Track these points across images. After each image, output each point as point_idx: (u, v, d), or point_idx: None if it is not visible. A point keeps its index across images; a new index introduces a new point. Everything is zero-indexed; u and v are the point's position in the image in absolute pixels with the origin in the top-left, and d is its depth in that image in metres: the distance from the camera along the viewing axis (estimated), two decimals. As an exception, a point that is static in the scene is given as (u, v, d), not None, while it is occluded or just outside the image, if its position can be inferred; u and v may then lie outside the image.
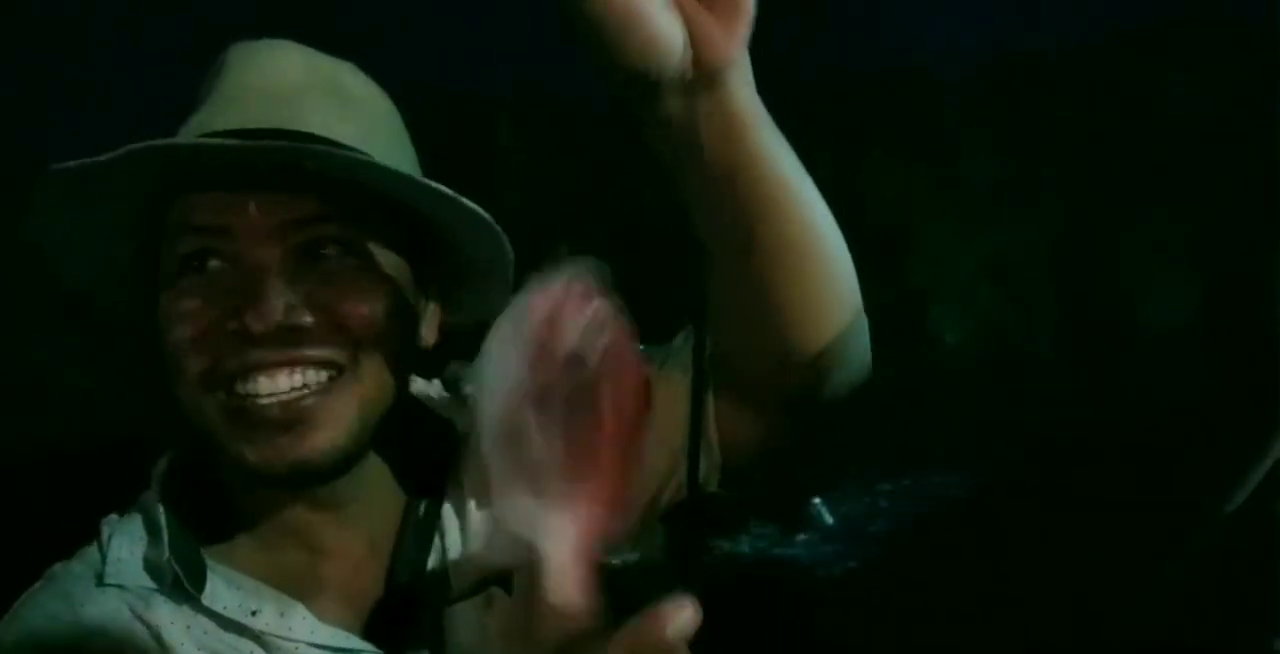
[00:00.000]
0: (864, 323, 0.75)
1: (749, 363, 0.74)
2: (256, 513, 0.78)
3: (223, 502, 0.79)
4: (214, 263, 0.70)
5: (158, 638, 0.73)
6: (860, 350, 0.76)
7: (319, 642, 0.74)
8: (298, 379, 0.70)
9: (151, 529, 0.77)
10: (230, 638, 0.74)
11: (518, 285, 0.79)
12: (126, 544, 0.77)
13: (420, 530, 0.80)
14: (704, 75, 0.57)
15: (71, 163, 0.67)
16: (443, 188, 0.71)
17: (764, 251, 0.67)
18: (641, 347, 0.85)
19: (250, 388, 0.70)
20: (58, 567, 0.79)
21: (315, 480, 0.74)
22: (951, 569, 3.67)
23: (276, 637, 0.74)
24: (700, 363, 0.69)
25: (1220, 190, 7.29)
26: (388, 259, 0.74)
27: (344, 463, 0.74)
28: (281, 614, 0.74)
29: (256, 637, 0.74)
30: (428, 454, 0.82)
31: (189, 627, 0.74)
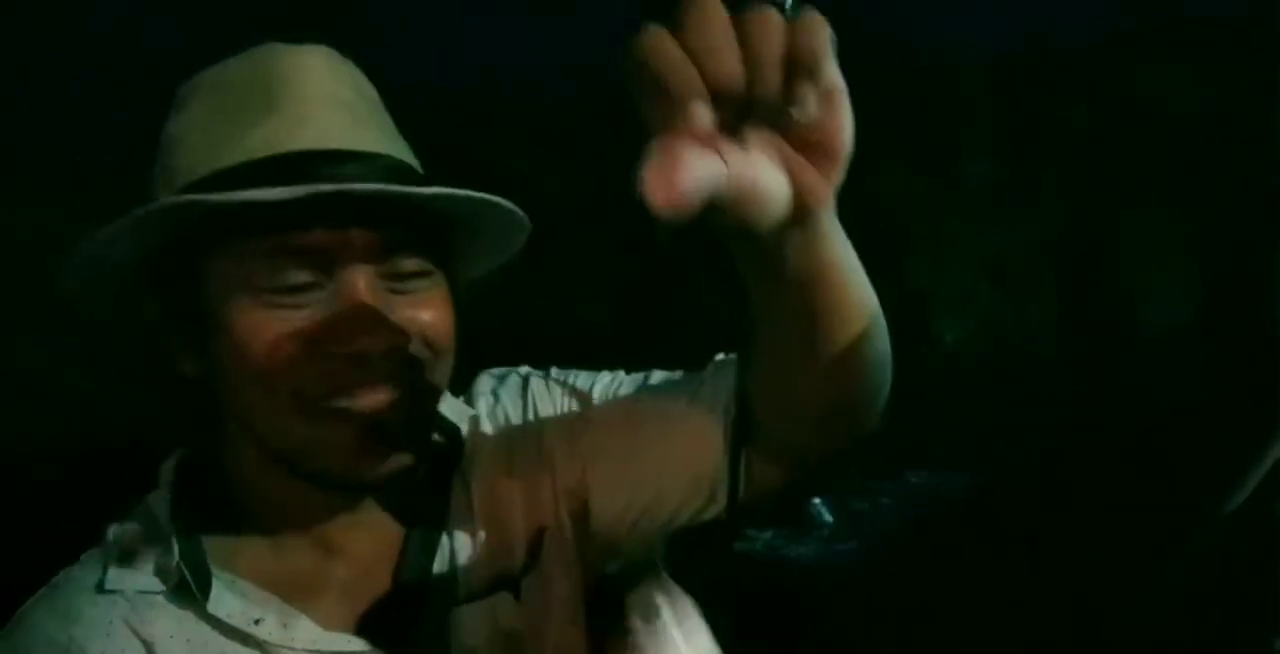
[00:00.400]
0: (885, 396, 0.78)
1: (778, 425, 0.76)
2: (270, 514, 0.78)
3: (228, 503, 0.79)
4: (308, 284, 0.71)
5: (152, 653, 0.73)
6: (878, 411, 0.79)
7: (322, 648, 0.75)
8: (397, 394, 0.73)
9: (160, 532, 0.77)
10: (232, 646, 0.74)
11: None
12: (132, 547, 0.77)
13: (427, 532, 0.80)
14: (798, 216, 0.58)
15: (171, 201, 0.69)
16: (515, 208, 0.76)
17: (818, 343, 0.69)
18: (670, 374, 0.86)
19: (355, 404, 0.72)
20: (61, 575, 0.78)
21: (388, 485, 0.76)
22: (951, 569, 3.67)
23: (279, 646, 0.74)
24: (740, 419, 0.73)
25: (1220, 190, 7.29)
26: (442, 273, 0.77)
27: None
28: (285, 625, 0.75)
29: (259, 645, 0.74)
30: (436, 455, 0.82)
31: (188, 640, 0.74)
